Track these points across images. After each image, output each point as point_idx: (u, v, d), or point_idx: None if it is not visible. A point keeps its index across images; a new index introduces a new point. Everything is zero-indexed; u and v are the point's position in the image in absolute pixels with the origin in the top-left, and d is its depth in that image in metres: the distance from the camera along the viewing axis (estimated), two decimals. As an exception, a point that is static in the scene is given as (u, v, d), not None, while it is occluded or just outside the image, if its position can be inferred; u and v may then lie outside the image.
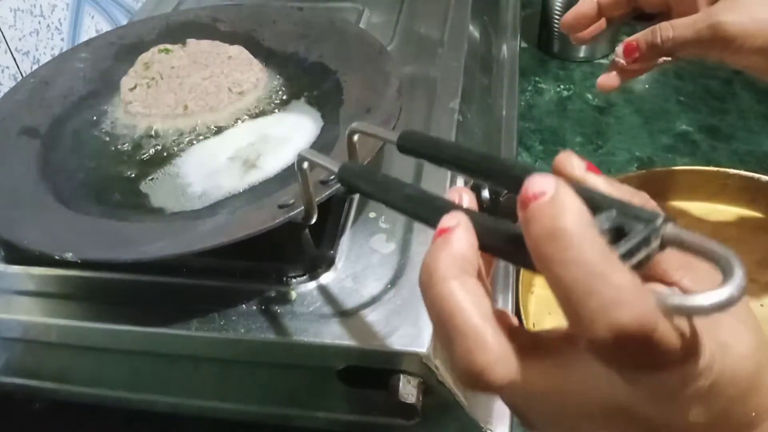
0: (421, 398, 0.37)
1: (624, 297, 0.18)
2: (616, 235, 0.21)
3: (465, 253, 0.22)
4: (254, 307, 0.40)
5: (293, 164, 0.46)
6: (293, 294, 0.40)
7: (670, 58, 0.44)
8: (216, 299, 0.40)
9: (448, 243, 0.22)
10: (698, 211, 0.60)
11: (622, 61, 0.44)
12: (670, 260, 0.22)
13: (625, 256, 0.20)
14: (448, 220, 0.22)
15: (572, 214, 0.19)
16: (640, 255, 0.20)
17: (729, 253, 0.19)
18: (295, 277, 0.41)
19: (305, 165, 0.33)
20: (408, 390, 0.37)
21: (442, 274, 0.21)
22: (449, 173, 0.47)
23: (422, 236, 0.42)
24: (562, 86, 0.84)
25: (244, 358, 0.41)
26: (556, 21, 0.86)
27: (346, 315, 0.38)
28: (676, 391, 0.20)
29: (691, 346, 0.20)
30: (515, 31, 0.82)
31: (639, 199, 0.23)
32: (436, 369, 0.37)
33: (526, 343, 0.21)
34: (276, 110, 0.54)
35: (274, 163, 0.48)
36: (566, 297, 0.19)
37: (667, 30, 0.42)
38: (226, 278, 0.42)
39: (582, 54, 0.88)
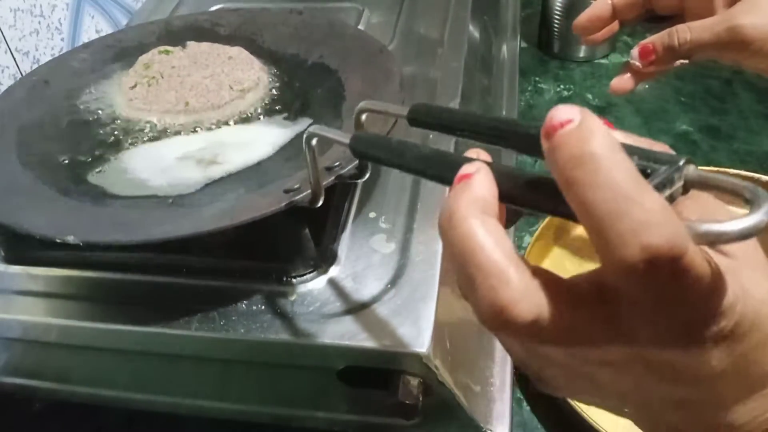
0: (421, 398, 0.37)
1: (655, 219, 0.18)
2: None
3: (486, 195, 0.21)
4: (254, 307, 0.40)
5: (269, 158, 0.45)
6: (293, 294, 0.40)
7: (686, 61, 0.43)
8: (216, 299, 0.40)
9: (468, 186, 0.22)
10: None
11: (637, 63, 0.43)
12: (689, 210, 0.22)
13: None
14: (468, 168, 0.22)
15: (601, 138, 0.19)
16: (664, 194, 0.20)
17: (752, 185, 0.19)
18: (295, 277, 0.41)
19: (314, 142, 0.33)
20: (408, 390, 0.37)
21: (462, 214, 0.21)
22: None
23: (422, 236, 0.42)
24: (562, 86, 0.84)
25: (244, 358, 0.41)
26: (556, 21, 0.86)
27: (346, 315, 0.38)
28: (700, 331, 0.20)
29: (716, 280, 0.19)
30: (515, 31, 0.82)
31: (659, 147, 0.23)
32: (436, 369, 0.37)
33: (550, 282, 0.21)
34: (278, 111, 0.54)
35: (237, 158, 0.48)
36: (596, 221, 0.19)
37: (684, 32, 0.41)
38: (226, 278, 0.42)
39: (582, 54, 0.88)
